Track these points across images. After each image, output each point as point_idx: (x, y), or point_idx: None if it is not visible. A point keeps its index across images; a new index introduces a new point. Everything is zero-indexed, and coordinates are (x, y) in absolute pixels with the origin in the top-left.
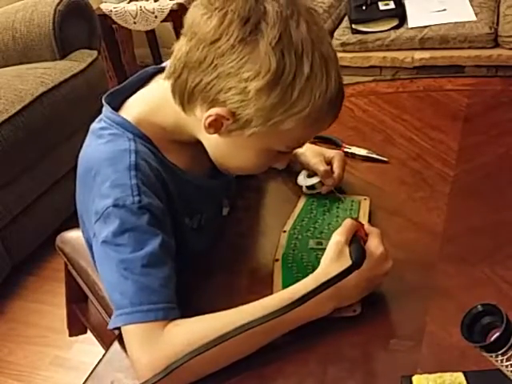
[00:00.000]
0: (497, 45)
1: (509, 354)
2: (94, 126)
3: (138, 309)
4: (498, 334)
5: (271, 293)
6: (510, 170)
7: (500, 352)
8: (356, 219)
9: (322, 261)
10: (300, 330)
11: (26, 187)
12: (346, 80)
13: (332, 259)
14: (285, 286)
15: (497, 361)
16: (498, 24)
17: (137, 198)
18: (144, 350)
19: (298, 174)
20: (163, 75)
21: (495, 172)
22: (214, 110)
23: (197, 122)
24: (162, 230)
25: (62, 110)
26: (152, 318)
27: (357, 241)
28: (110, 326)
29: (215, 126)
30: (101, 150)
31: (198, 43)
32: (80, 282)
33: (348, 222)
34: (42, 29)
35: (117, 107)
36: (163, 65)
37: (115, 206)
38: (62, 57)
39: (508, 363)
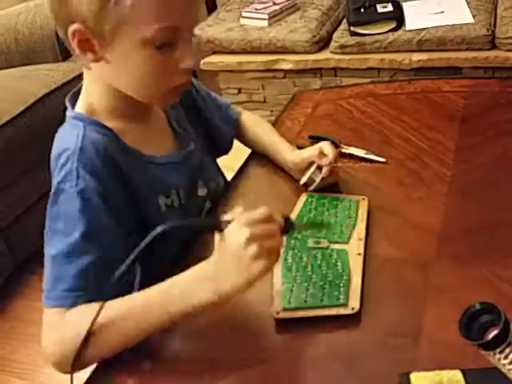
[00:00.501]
0: (494, 46)
1: (506, 352)
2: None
3: (52, 294)
4: (495, 332)
5: (270, 291)
6: (507, 171)
7: (498, 350)
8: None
9: None
10: (298, 328)
11: (28, 187)
12: (345, 82)
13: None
14: (283, 285)
15: (494, 359)
16: (495, 26)
17: (74, 182)
18: (47, 332)
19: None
20: None
21: (492, 172)
22: (70, 29)
23: (94, 68)
24: (94, 216)
25: (65, 112)
26: (59, 304)
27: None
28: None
29: (88, 47)
30: (57, 143)
31: None
32: None
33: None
34: (45, 31)
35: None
36: None
37: (56, 189)
38: (65, 58)
39: (506, 361)
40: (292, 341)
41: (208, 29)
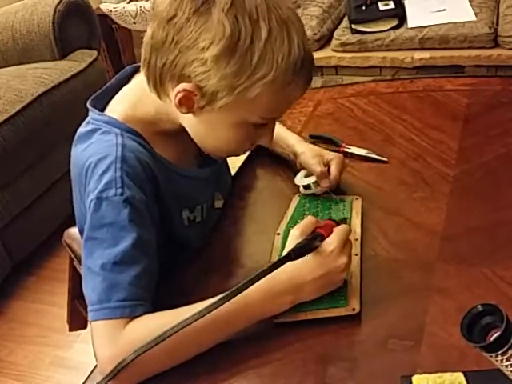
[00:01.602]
0: (496, 45)
1: (509, 354)
2: (81, 130)
3: (106, 305)
4: (497, 334)
5: None
6: (510, 170)
7: (500, 352)
8: (334, 220)
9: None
10: (299, 330)
11: (26, 187)
12: (346, 80)
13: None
14: None
15: (497, 361)
16: (497, 24)
17: (119, 191)
18: (105, 345)
19: (296, 173)
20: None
21: (495, 172)
22: (181, 86)
23: (173, 106)
24: (141, 224)
25: (62, 110)
26: (118, 315)
27: (313, 236)
28: (89, 320)
29: (186, 103)
30: (92, 149)
31: (159, 24)
32: None
33: (308, 218)
34: (42, 29)
35: (101, 110)
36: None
37: (98, 198)
38: (62, 57)
39: (508, 363)
40: (292, 344)
41: None
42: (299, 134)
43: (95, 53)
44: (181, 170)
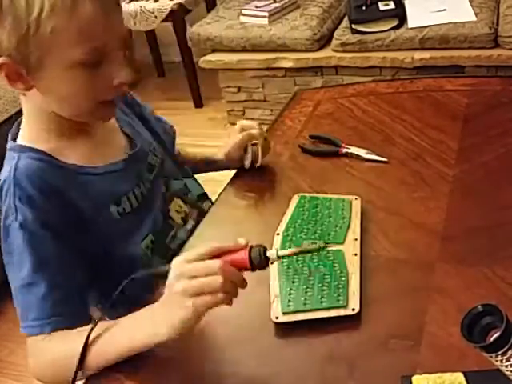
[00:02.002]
0: (497, 45)
1: (509, 354)
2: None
3: (25, 324)
4: (497, 334)
5: (268, 295)
6: (510, 170)
7: (500, 352)
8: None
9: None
10: (299, 330)
11: None
12: (346, 80)
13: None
14: (282, 288)
15: (497, 361)
16: (497, 24)
17: (14, 216)
18: (33, 359)
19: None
20: None
21: (495, 172)
22: None
23: (33, 97)
24: (39, 245)
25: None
26: (34, 332)
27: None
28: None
29: (17, 78)
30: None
31: None
32: None
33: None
34: None
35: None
36: None
37: (4, 225)
38: None
39: (508, 363)
40: (292, 344)
41: (207, 26)
42: (299, 133)
43: None
44: (91, 169)
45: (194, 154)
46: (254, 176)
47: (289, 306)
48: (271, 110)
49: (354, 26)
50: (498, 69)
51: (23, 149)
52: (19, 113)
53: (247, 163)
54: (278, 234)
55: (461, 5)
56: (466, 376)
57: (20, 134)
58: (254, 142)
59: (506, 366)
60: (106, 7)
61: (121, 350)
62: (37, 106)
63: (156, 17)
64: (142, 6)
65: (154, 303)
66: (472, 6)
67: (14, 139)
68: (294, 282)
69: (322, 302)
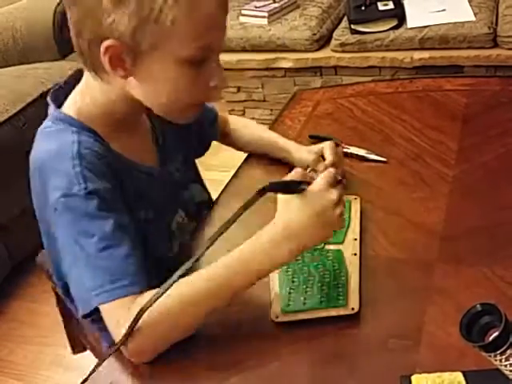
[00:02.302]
0: (496, 45)
1: (507, 354)
2: (42, 127)
3: (107, 288)
4: (496, 334)
5: (268, 295)
6: (509, 170)
7: (499, 351)
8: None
9: None
10: (299, 330)
11: (26, 188)
12: (345, 80)
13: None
14: (281, 288)
15: (496, 360)
16: (496, 24)
17: (83, 185)
18: (117, 324)
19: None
20: None
21: (494, 172)
22: (103, 46)
23: (114, 81)
24: (113, 211)
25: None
26: (115, 296)
27: (297, 181)
28: (80, 313)
29: (119, 64)
30: (48, 147)
31: (68, 7)
32: (68, 303)
33: (295, 169)
34: (43, 29)
35: (61, 103)
36: None
37: (64, 196)
38: (62, 57)
39: (507, 362)
40: (291, 344)
41: None
42: (298, 133)
43: None
44: (137, 165)
45: (262, 139)
46: (253, 176)
47: (288, 305)
48: (271, 110)
49: (353, 26)
50: (497, 69)
51: (80, 124)
52: (19, 113)
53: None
54: None
55: (460, 5)
56: (465, 375)
57: (69, 105)
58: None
59: (505, 366)
60: (224, 5)
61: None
62: (109, 89)
63: None
64: None
65: (273, 225)
66: (471, 5)
67: (61, 104)
68: (293, 282)
69: (321, 301)
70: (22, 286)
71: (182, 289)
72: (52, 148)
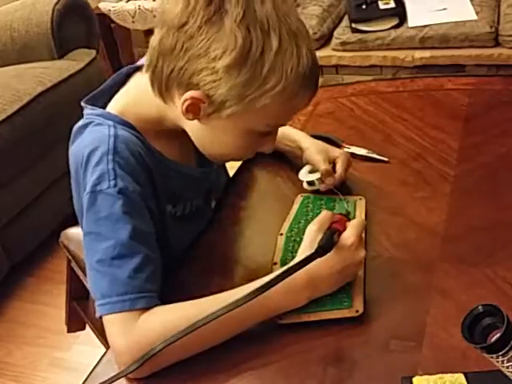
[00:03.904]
0: (497, 44)
1: (510, 355)
2: (76, 126)
3: (108, 300)
4: (498, 335)
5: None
6: (511, 170)
7: (501, 353)
8: (344, 214)
9: (299, 250)
10: (300, 331)
11: (25, 187)
12: (346, 79)
13: (305, 248)
14: None
15: (498, 362)
16: (498, 23)
17: (112, 183)
18: (119, 337)
19: (300, 168)
20: (142, 70)
21: (496, 172)
22: (189, 94)
23: (178, 111)
24: (136, 215)
25: (61, 110)
26: (119, 308)
27: (331, 231)
28: (97, 315)
29: (193, 110)
30: (84, 142)
31: (168, 30)
32: (83, 279)
33: (324, 212)
34: (41, 28)
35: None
36: (138, 64)
37: (92, 192)
38: (61, 56)
39: (509, 364)
40: (293, 344)
41: None
42: None
43: (94, 52)
44: (176, 164)
45: (284, 136)
46: (254, 176)
47: None
48: None
49: (354, 25)
50: (499, 68)
51: (117, 118)
52: (18, 112)
53: (304, 180)
54: (281, 234)
55: (461, 4)
56: (466, 377)
57: (116, 105)
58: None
59: (507, 367)
60: (310, 100)
61: (245, 326)
62: (167, 110)
63: (155, 16)
64: (141, 5)
65: (299, 274)
66: (473, 4)
67: (93, 104)
68: None
69: (325, 303)
70: (20, 287)
71: (190, 316)
72: (87, 143)
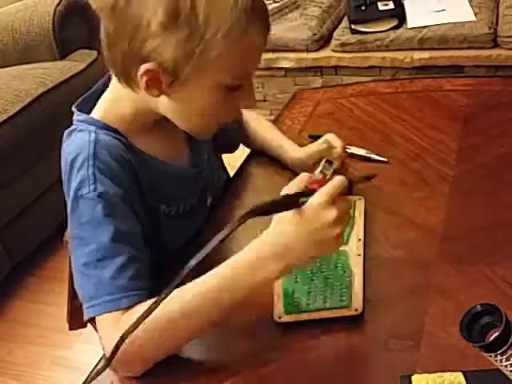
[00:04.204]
0: (496, 45)
1: (508, 354)
2: (66, 131)
3: (95, 302)
4: (497, 334)
5: (271, 296)
6: (510, 170)
7: (499, 352)
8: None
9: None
10: (300, 330)
11: (26, 188)
12: (346, 80)
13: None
14: (285, 289)
15: (496, 360)
16: (497, 24)
17: (92, 187)
18: (108, 338)
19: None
20: None
21: (494, 172)
22: (143, 67)
23: (145, 95)
24: (118, 217)
25: (62, 111)
26: (107, 309)
27: (297, 193)
28: (84, 318)
29: (154, 85)
30: (68, 148)
31: (105, 17)
32: None
33: (300, 174)
34: (42, 29)
35: (88, 113)
36: None
37: (75, 197)
38: (62, 57)
39: (507, 363)
40: (292, 343)
41: None
42: (299, 133)
43: (95, 53)
44: (164, 165)
45: (270, 142)
46: (252, 176)
47: (292, 306)
48: (271, 110)
49: (353, 26)
50: (498, 69)
51: (98, 123)
52: (19, 113)
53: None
54: None
55: (460, 5)
56: (465, 375)
57: (98, 109)
58: (329, 159)
59: (506, 366)
60: (267, 34)
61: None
62: (138, 99)
63: None
64: None
65: (261, 240)
66: (471, 5)
67: (80, 110)
68: (297, 282)
69: (325, 302)
70: (21, 287)
71: (168, 306)
72: (70, 149)
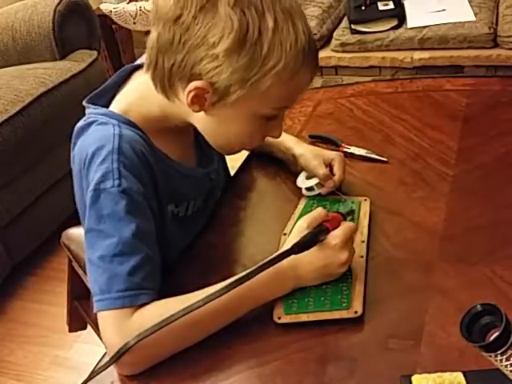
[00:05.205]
0: (496, 45)
1: (508, 354)
2: (79, 125)
3: (107, 296)
4: (497, 334)
5: None
6: (509, 170)
7: (499, 352)
8: (341, 213)
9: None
10: (300, 330)
11: (26, 187)
12: (346, 80)
13: (288, 243)
14: None
15: (496, 360)
16: (497, 24)
17: (117, 182)
18: (113, 333)
19: (297, 175)
20: (143, 70)
21: (494, 172)
22: (193, 84)
23: (183, 106)
24: (139, 215)
25: (62, 110)
26: (119, 305)
27: (318, 230)
28: (94, 310)
29: (198, 101)
30: (89, 140)
31: (164, 25)
32: (84, 278)
33: (318, 209)
34: (42, 29)
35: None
36: (138, 61)
37: (96, 189)
38: (62, 57)
39: (507, 363)
40: (292, 343)
41: None
42: (299, 133)
43: (95, 53)
44: (177, 165)
45: (278, 143)
46: (254, 177)
47: (291, 306)
48: None
49: (353, 26)
50: (498, 69)
51: (121, 118)
52: (19, 113)
53: (304, 186)
54: (284, 234)
55: (460, 5)
56: (465, 375)
57: (119, 104)
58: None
59: (506, 366)
60: (312, 78)
61: (233, 317)
62: (169, 106)
63: None
64: (142, 6)
65: (282, 264)
66: (471, 5)
67: (95, 103)
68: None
69: (325, 303)
70: (21, 286)
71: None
72: (91, 141)
